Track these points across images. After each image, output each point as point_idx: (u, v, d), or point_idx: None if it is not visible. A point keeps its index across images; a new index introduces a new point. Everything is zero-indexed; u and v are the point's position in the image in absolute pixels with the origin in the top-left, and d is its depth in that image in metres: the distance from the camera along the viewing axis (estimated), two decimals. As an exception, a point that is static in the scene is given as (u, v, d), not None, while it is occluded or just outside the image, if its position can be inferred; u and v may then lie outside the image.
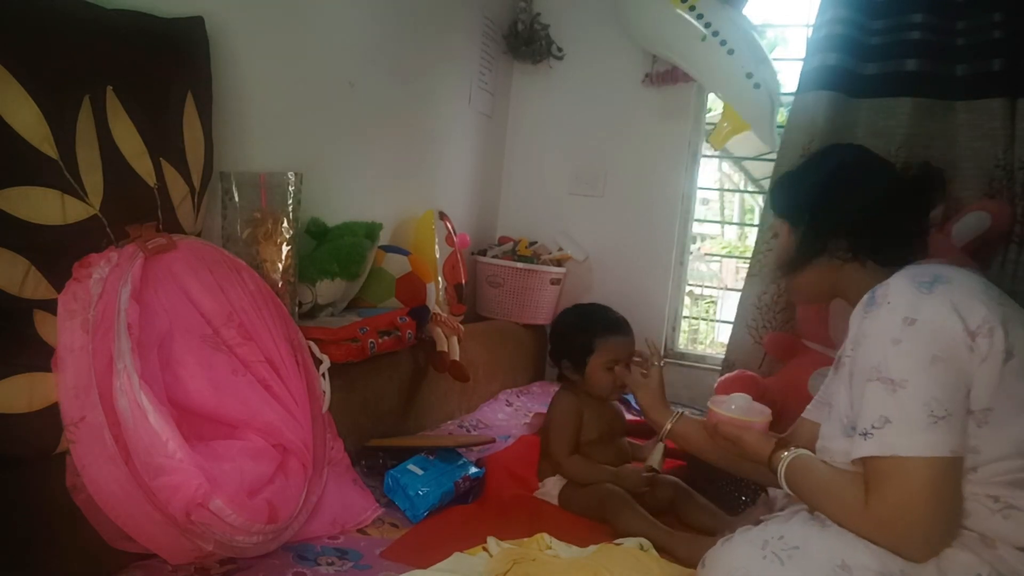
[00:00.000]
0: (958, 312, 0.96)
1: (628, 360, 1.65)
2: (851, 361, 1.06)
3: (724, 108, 2.59)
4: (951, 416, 0.94)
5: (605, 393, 1.66)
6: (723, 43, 2.47)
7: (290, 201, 1.55)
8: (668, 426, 1.46)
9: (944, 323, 0.96)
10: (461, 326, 2.12)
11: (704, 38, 2.48)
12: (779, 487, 1.17)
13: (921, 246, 1.17)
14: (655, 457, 1.61)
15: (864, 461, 0.99)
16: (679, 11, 2.49)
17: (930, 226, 1.23)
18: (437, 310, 2.08)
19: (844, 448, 1.04)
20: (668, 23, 2.54)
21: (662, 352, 2.89)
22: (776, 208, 1.33)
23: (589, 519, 1.54)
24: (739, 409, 1.29)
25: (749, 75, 2.48)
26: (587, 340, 1.64)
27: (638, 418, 2.43)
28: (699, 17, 2.48)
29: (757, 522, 1.18)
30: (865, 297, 1.07)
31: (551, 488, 1.63)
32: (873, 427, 0.97)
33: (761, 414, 1.29)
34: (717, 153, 3.08)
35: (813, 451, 1.14)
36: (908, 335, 0.97)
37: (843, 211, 1.17)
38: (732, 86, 2.52)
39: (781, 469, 1.13)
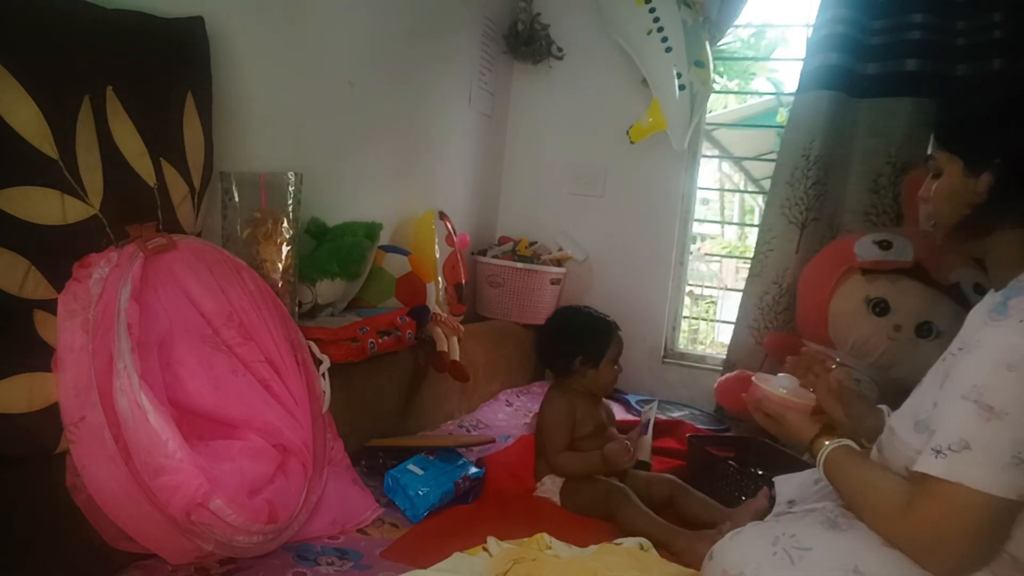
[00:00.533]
0: None
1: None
2: (952, 361, 0.97)
3: (652, 104, 2.63)
4: None
5: (609, 385, 1.73)
6: (664, 40, 2.52)
7: (290, 201, 1.55)
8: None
9: None
10: (461, 326, 2.12)
11: (650, 32, 2.54)
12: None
13: None
14: (644, 451, 1.62)
15: (924, 475, 0.92)
16: (635, 3, 2.55)
17: None
18: (437, 310, 2.08)
19: (907, 440, 0.99)
20: (624, 13, 2.61)
21: (662, 352, 2.89)
22: (946, 138, 1.07)
23: (590, 516, 1.55)
24: (785, 390, 1.25)
25: (678, 75, 2.53)
26: (606, 336, 1.72)
27: (635, 418, 2.43)
28: (651, 11, 2.53)
29: (764, 517, 1.17)
30: (997, 299, 0.94)
31: (551, 486, 1.64)
32: (950, 448, 0.89)
33: (805, 398, 1.25)
34: (717, 153, 3.08)
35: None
36: None
37: None
38: (662, 83, 2.58)
39: (821, 456, 1.08)
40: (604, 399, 1.82)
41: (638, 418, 2.43)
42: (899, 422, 1.05)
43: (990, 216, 1.01)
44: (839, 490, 1.08)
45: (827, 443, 1.09)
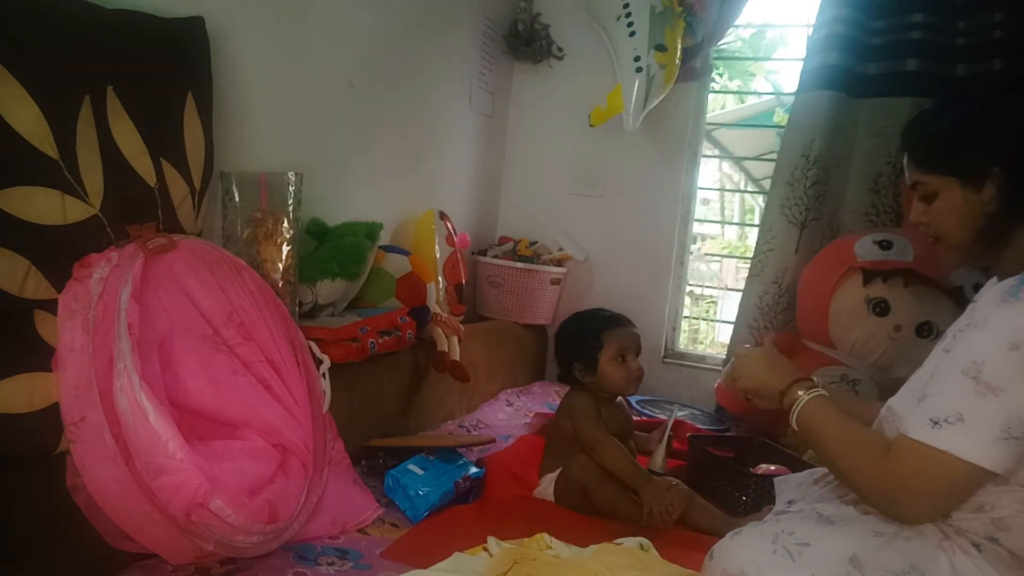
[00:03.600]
0: None
1: (635, 350, 1.67)
2: (958, 335, 0.98)
3: (615, 88, 2.61)
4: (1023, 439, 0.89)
5: (623, 385, 1.67)
6: (630, 24, 2.50)
7: (290, 201, 1.55)
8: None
9: None
10: (461, 326, 2.12)
11: (619, 17, 2.52)
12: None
13: None
14: (656, 460, 1.61)
15: (916, 441, 0.93)
16: None
17: None
18: (437, 310, 2.08)
19: (906, 416, 1.00)
20: None
21: (662, 352, 2.89)
22: (932, 164, 1.05)
23: (582, 513, 1.55)
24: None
25: (637, 58, 2.50)
26: (594, 336, 1.66)
27: (641, 418, 2.43)
28: None
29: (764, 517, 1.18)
30: (1011, 282, 0.93)
31: (547, 486, 1.63)
32: (947, 421, 0.91)
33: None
34: (717, 153, 3.08)
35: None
36: None
37: None
38: (622, 67, 2.56)
39: (796, 407, 1.08)
40: (627, 406, 1.79)
41: (648, 418, 2.43)
42: (899, 402, 1.06)
43: (1006, 222, 1.00)
44: (813, 440, 1.07)
45: (801, 393, 1.09)
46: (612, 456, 1.55)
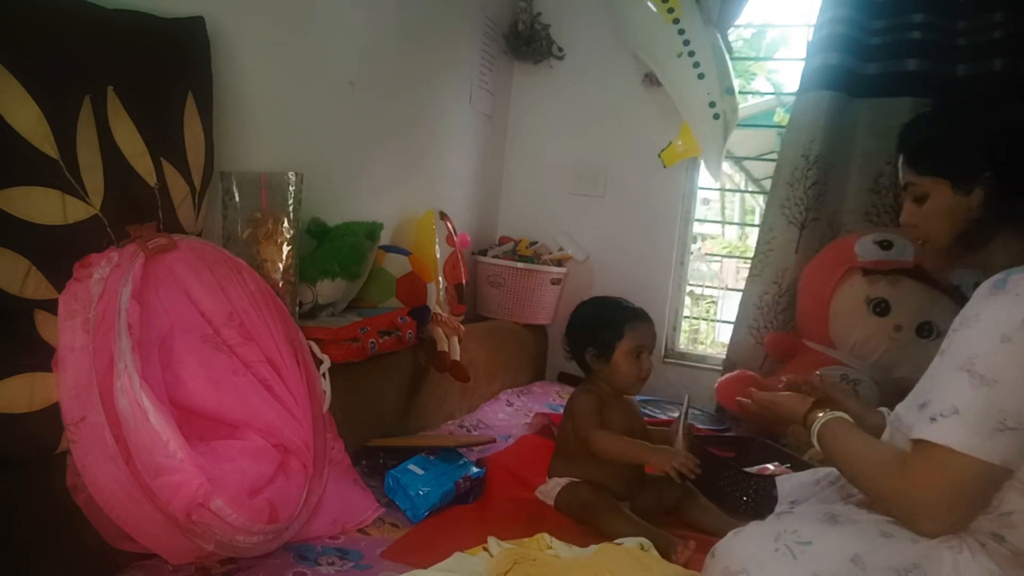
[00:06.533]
0: None
1: (650, 349, 1.64)
2: (951, 335, 0.99)
3: (683, 127, 2.63)
4: (1021, 430, 0.90)
5: (630, 382, 1.63)
6: (696, 65, 2.51)
7: (291, 201, 1.55)
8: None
9: None
10: (462, 326, 2.12)
11: (680, 55, 2.51)
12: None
13: None
14: (676, 441, 1.58)
15: (919, 440, 0.96)
16: (664, 21, 2.51)
17: None
18: (438, 310, 2.08)
19: (912, 423, 1.01)
20: (651, 31, 2.57)
21: (662, 352, 2.89)
22: (925, 165, 1.10)
23: (580, 522, 1.52)
24: None
25: (712, 104, 2.52)
26: (616, 326, 1.62)
27: (657, 418, 2.43)
28: (680, 32, 2.50)
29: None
30: (997, 277, 0.96)
31: (552, 488, 1.62)
32: (941, 415, 0.93)
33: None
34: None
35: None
36: (1021, 338, 0.90)
37: None
38: (694, 109, 2.57)
39: (816, 427, 1.13)
40: (636, 403, 1.76)
41: (657, 418, 2.42)
42: (905, 408, 1.07)
43: (989, 228, 1.05)
44: (834, 457, 1.11)
45: (821, 415, 1.14)
46: (604, 444, 1.52)
